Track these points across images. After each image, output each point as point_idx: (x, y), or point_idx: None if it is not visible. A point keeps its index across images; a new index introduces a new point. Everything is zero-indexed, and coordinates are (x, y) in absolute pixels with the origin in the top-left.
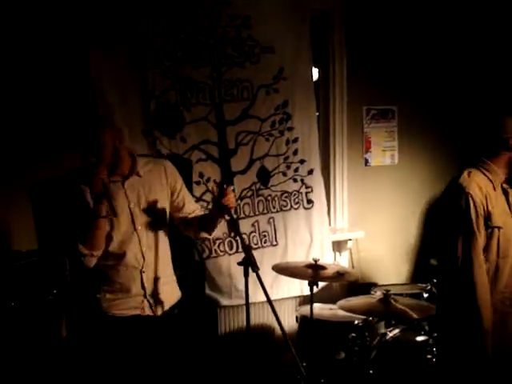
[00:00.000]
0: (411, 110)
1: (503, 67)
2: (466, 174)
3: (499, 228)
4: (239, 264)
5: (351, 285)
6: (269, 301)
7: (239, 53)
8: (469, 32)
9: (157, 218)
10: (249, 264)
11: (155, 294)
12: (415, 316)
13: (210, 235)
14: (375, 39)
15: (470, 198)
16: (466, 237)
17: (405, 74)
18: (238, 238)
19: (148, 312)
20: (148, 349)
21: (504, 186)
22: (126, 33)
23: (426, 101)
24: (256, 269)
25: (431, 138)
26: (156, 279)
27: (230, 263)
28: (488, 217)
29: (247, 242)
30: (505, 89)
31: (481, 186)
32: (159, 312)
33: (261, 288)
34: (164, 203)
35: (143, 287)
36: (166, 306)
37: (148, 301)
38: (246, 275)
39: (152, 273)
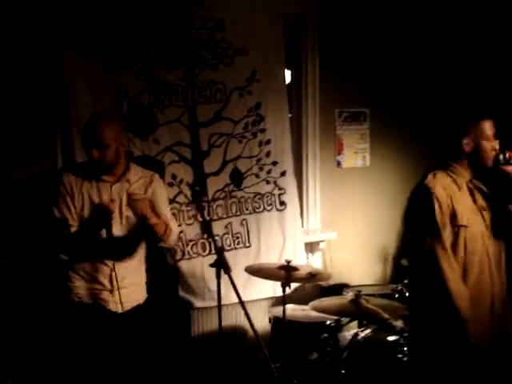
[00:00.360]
0: (383, 112)
1: (475, 70)
2: (431, 175)
3: (465, 227)
4: (211, 266)
5: (324, 285)
6: (241, 302)
7: (212, 55)
8: (439, 35)
9: (134, 224)
10: (221, 266)
11: (121, 291)
12: (386, 316)
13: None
14: (347, 42)
15: (435, 199)
16: (432, 236)
17: (377, 76)
18: (210, 239)
19: (112, 307)
20: (110, 344)
21: (470, 185)
22: (99, 34)
23: (397, 103)
24: (228, 270)
25: (403, 140)
26: (125, 278)
27: (203, 265)
28: (453, 216)
29: (220, 244)
30: (477, 91)
31: (445, 187)
32: (120, 310)
33: (228, 289)
34: None
35: (111, 283)
36: (129, 306)
37: (114, 297)
38: (219, 277)
39: (123, 271)
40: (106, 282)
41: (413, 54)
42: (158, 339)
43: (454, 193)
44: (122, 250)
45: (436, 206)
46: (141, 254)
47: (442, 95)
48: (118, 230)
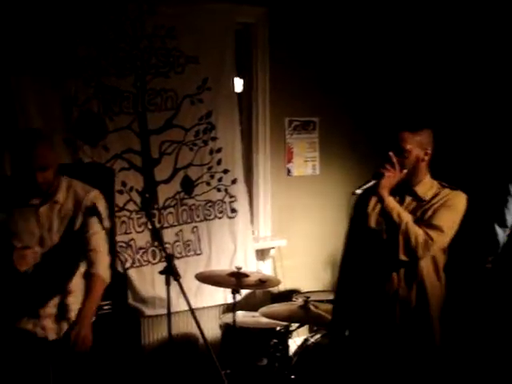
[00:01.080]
0: (332, 121)
1: (418, 78)
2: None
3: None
4: (161, 273)
5: (274, 292)
6: (191, 309)
7: (164, 62)
8: (383, 46)
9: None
10: (171, 273)
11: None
12: None
13: None
14: (297, 52)
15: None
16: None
17: (326, 86)
18: (161, 247)
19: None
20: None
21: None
22: (48, 41)
23: (347, 113)
24: (178, 277)
25: (351, 148)
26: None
27: (153, 272)
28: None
29: (171, 252)
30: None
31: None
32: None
33: (178, 297)
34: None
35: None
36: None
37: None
38: (168, 284)
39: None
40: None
41: (360, 65)
42: (108, 349)
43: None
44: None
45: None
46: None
47: (390, 104)
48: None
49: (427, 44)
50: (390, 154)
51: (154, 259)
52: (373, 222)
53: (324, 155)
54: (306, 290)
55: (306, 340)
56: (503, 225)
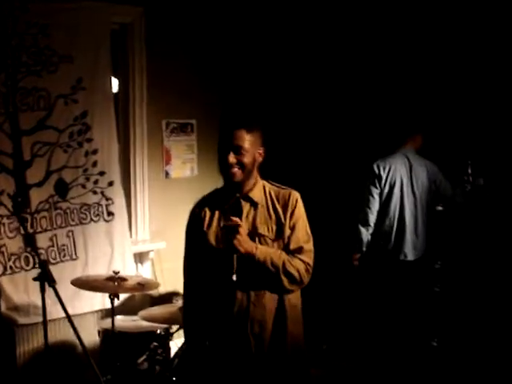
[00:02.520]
0: (209, 123)
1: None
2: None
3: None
4: (35, 279)
5: (155, 295)
6: (67, 316)
7: (36, 61)
8: (256, 50)
9: None
10: (45, 279)
11: None
12: None
13: None
14: (174, 53)
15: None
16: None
17: (204, 88)
18: (34, 253)
19: None
20: None
21: None
22: None
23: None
24: (53, 283)
25: None
26: None
27: (26, 279)
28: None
29: (45, 257)
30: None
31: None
32: None
33: (54, 303)
34: None
35: None
36: None
37: None
38: (43, 291)
39: None
40: None
41: (235, 67)
42: None
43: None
44: None
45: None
46: None
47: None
48: None
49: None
50: (229, 157)
51: (28, 265)
52: (212, 240)
53: (202, 156)
54: None
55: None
56: (366, 224)
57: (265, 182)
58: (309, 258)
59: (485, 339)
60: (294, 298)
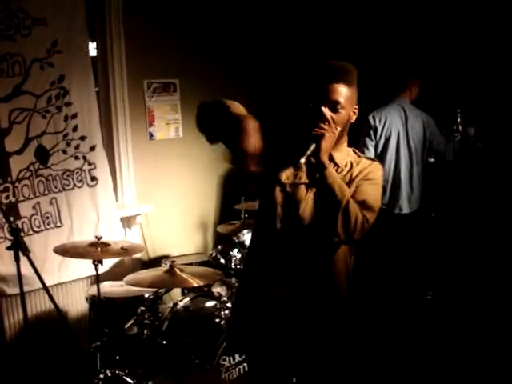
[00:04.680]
0: (193, 82)
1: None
2: None
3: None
4: (8, 248)
5: (145, 260)
6: (44, 286)
7: (8, 26)
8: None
9: None
10: (18, 247)
11: None
12: (199, 283)
13: None
14: (153, 11)
15: None
16: None
17: (185, 46)
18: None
19: None
20: None
21: None
22: None
23: (207, 73)
24: (27, 252)
25: None
26: None
27: None
28: None
29: (28, 226)
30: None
31: None
32: None
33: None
34: None
35: None
36: None
37: None
38: (17, 260)
39: None
40: None
41: (219, 22)
42: None
43: None
44: None
45: None
46: None
47: (250, 62)
48: None
49: None
50: (324, 109)
51: (12, 235)
52: (284, 177)
53: (187, 117)
54: (177, 255)
55: (175, 304)
56: None
57: (349, 148)
58: (370, 216)
59: (479, 292)
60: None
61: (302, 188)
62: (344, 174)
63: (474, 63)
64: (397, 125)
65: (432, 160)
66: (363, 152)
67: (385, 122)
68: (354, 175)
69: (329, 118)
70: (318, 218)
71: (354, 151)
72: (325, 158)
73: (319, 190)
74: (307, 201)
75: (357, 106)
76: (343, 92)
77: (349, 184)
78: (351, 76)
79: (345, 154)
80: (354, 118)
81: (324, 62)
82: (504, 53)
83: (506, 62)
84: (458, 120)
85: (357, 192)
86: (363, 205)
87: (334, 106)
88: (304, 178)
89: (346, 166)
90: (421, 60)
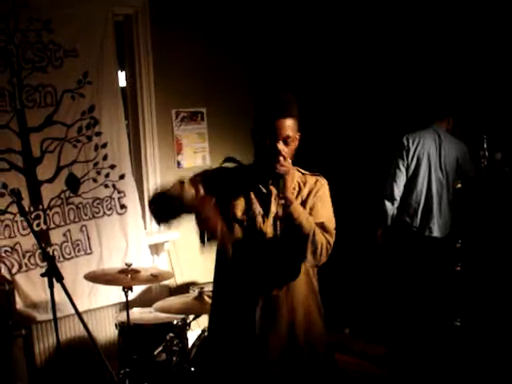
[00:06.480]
0: (220, 111)
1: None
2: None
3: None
4: (42, 275)
5: (172, 286)
6: (76, 311)
7: (40, 57)
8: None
9: None
10: (52, 274)
11: None
12: None
13: None
14: (181, 42)
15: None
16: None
17: (211, 76)
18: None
19: None
20: None
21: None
22: None
23: (233, 102)
24: (60, 279)
25: (240, 137)
26: None
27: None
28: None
29: (59, 253)
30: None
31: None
32: None
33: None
34: None
35: None
36: None
37: None
38: (51, 286)
39: None
40: None
41: (244, 53)
42: None
43: None
44: None
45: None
46: None
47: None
48: None
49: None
50: (280, 146)
51: (43, 262)
52: (239, 212)
53: (214, 145)
54: (203, 281)
55: (203, 331)
56: (392, 198)
57: (293, 168)
58: (330, 237)
59: (506, 320)
60: (315, 282)
61: (259, 219)
62: (296, 197)
63: (499, 88)
64: (430, 148)
65: (459, 186)
66: (395, 173)
67: (418, 144)
68: (305, 196)
69: (286, 154)
70: (283, 247)
71: (298, 170)
72: (289, 194)
73: (287, 224)
74: (266, 230)
75: (298, 133)
76: (290, 125)
77: (302, 206)
78: (294, 107)
79: (292, 176)
80: (297, 143)
81: (268, 96)
82: None
83: None
84: (485, 146)
85: (313, 214)
86: (322, 227)
87: (286, 141)
88: (258, 209)
89: (294, 189)
90: (460, 92)
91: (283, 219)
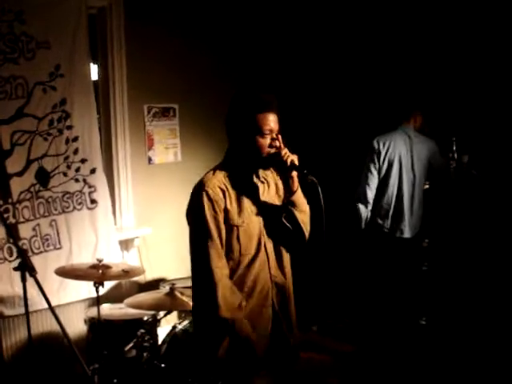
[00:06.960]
0: (192, 108)
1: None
2: (211, 172)
3: (238, 226)
4: (15, 269)
5: (142, 282)
6: (49, 306)
7: (12, 48)
8: (239, 30)
9: None
10: (25, 268)
11: None
12: None
13: None
14: (154, 37)
15: (206, 196)
16: (203, 234)
17: (185, 72)
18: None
19: None
20: None
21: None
22: None
23: (206, 99)
24: (33, 273)
25: (213, 134)
26: None
27: (10, 270)
28: (226, 215)
29: (28, 248)
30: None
31: (220, 185)
32: None
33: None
34: None
35: None
36: None
37: None
38: (24, 280)
39: None
40: None
41: (218, 48)
42: None
43: (229, 191)
44: None
45: (206, 205)
46: None
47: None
48: None
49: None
50: (279, 138)
51: (11, 256)
52: (236, 218)
53: (185, 141)
54: (173, 278)
55: (173, 327)
56: (365, 201)
57: None
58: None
59: (473, 319)
60: None
61: (255, 220)
62: (276, 188)
63: (468, 91)
64: (401, 150)
65: (427, 186)
66: (367, 176)
67: (389, 147)
68: (280, 185)
69: (282, 145)
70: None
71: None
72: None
73: (291, 211)
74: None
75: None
76: (276, 120)
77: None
78: (276, 103)
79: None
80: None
81: (253, 93)
82: (498, 82)
83: (500, 90)
84: (454, 148)
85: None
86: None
87: (271, 133)
88: (252, 209)
89: (271, 179)
90: (422, 90)
91: (289, 204)
